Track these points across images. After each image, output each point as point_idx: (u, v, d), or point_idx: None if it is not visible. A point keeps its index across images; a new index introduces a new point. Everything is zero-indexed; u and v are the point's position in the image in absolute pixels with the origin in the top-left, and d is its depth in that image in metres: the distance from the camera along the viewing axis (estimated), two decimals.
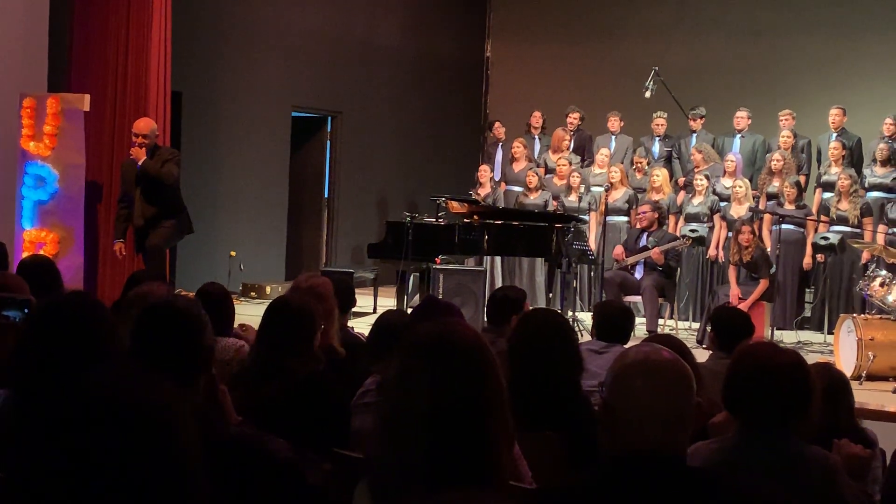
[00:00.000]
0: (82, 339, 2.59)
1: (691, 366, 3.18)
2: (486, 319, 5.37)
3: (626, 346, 5.53)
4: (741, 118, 11.33)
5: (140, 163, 8.43)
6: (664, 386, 2.27)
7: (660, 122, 11.72)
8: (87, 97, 9.33)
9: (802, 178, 10.70)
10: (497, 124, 12.70)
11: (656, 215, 9.88)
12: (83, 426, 1.34)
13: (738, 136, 11.33)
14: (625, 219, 10.88)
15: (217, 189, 11.49)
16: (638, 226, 10.06)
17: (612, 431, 2.28)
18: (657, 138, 11.78)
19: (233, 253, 11.04)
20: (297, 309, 3.88)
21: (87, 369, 1.42)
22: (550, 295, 10.42)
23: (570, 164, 11.44)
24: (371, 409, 3.72)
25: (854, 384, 7.02)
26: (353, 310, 10.31)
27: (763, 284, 9.23)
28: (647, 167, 11.17)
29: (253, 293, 11.13)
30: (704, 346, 8.23)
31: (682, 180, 11.33)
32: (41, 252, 8.76)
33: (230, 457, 2.47)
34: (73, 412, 1.34)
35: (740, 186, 10.15)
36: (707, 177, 10.54)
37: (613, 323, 5.22)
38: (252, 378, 3.72)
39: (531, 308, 5.32)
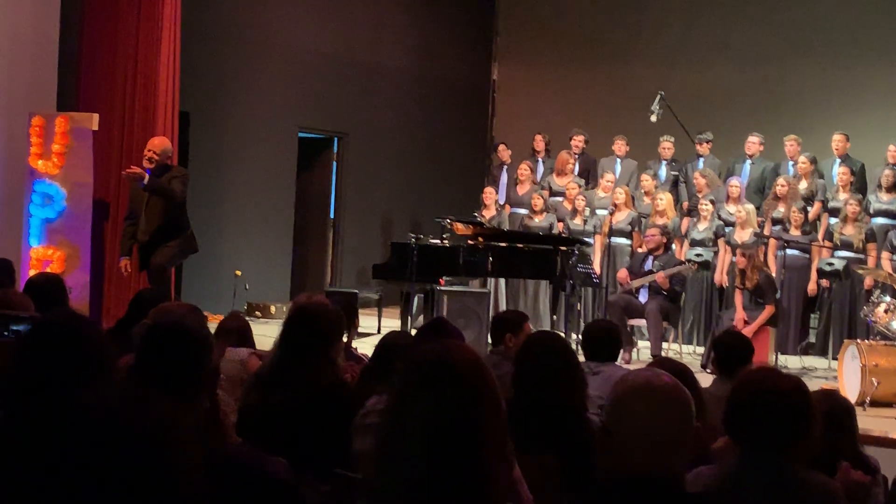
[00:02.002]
0: (73, 359, 2.58)
1: (694, 391, 3.20)
2: (489, 342, 5.38)
3: (619, 365, 5.56)
4: (753, 143, 11.25)
5: (145, 181, 8.46)
6: (664, 410, 2.28)
7: (667, 145, 11.71)
8: (96, 116, 9.38)
9: (818, 205, 10.64)
10: (502, 147, 12.72)
11: (664, 239, 9.90)
12: (78, 447, 1.34)
13: (749, 161, 11.31)
14: (627, 241, 10.88)
15: (223, 208, 11.53)
16: (644, 248, 10.05)
17: (610, 455, 2.29)
18: (664, 162, 11.78)
19: (238, 272, 11.06)
20: (320, 314, 3.88)
21: (82, 389, 1.43)
22: (555, 317, 10.42)
23: (580, 186, 11.45)
24: (372, 430, 3.72)
25: (858, 410, 7.02)
26: (357, 330, 10.32)
27: (768, 310, 9.22)
28: (654, 190, 11.17)
29: (258, 312, 11.15)
30: (709, 370, 8.21)
31: (685, 205, 11.34)
32: (48, 270, 8.80)
33: (229, 477, 2.47)
34: (67, 433, 1.34)
35: (742, 211, 10.15)
36: (712, 201, 10.54)
37: (599, 342, 5.23)
38: (270, 384, 3.70)
39: (534, 331, 5.34)
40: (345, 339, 5.14)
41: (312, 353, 3.77)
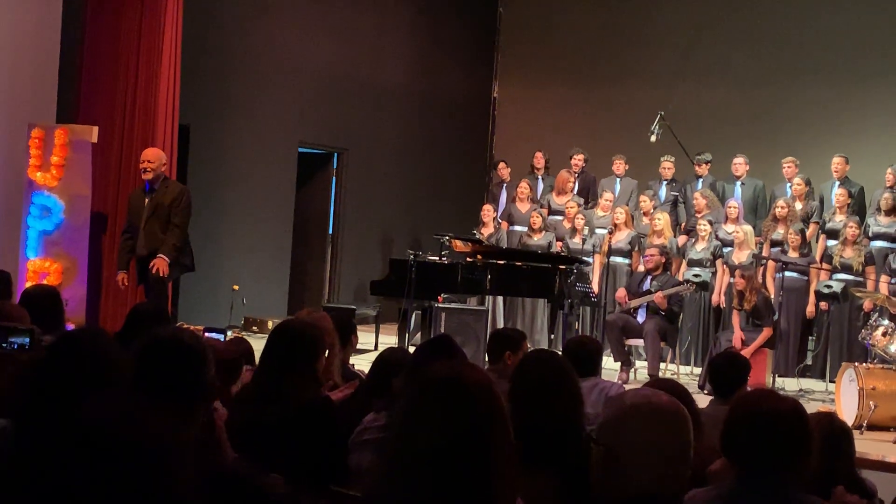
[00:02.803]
0: (94, 374, 2.59)
1: (691, 411, 3.18)
2: (486, 359, 5.37)
3: (600, 378, 5.56)
4: (739, 164, 11.36)
5: (148, 192, 8.47)
6: (663, 429, 2.28)
7: (667, 165, 11.74)
8: (96, 129, 9.39)
9: (813, 227, 10.67)
10: (502, 164, 12.74)
11: (663, 259, 9.90)
12: (81, 458, 1.34)
13: (739, 182, 11.36)
14: (626, 261, 10.88)
15: (222, 222, 11.52)
16: (643, 268, 10.05)
17: (608, 473, 2.29)
18: (664, 182, 11.80)
19: (235, 287, 11.06)
20: (300, 331, 3.93)
21: (85, 403, 1.43)
22: (552, 336, 10.41)
23: (579, 206, 11.47)
24: (369, 447, 3.71)
25: (855, 434, 7.01)
26: (355, 347, 10.32)
27: (766, 332, 9.21)
28: (652, 210, 11.17)
29: (255, 327, 11.13)
30: (706, 391, 8.20)
31: (684, 225, 11.35)
32: (45, 282, 8.78)
33: (225, 492, 2.46)
34: (71, 444, 1.34)
35: (740, 232, 10.16)
36: (710, 222, 10.55)
37: (577, 357, 5.20)
38: (253, 400, 3.73)
39: (532, 349, 5.33)
40: (342, 356, 5.13)
41: (293, 370, 3.80)
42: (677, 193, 11.60)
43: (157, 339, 2.73)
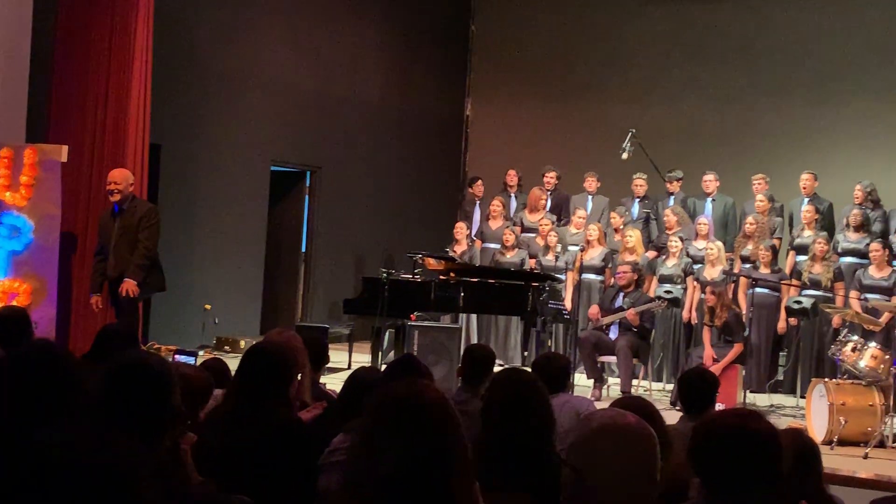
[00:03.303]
0: (47, 393, 2.55)
1: (661, 429, 3.20)
2: (459, 378, 5.35)
3: (568, 394, 5.57)
4: (709, 181, 11.47)
5: (117, 213, 8.42)
6: (630, 449, 2.31)
7: (639, 182, 11.82)
8: (65, 148, 9.32)
9: (777, 242, 10.78)
10: (478, 183, 12.77)
11: (635, 276, 9.94)
12: (35, 487, 1.32)
13: (709, 199, 11.44)
14: (599, 278, 10.92)
15: (194, 241, 11.47)
16: (615, 283, 10.08)
17: (577, 494, 2.30)
18: (637, 199, 11.87)
19: (207, 306, 11.00)
20: (274, 353, 3.92)
21: (44, 427, 1.41)
22: (526, 353, 10.42)
23: (552, 223, 11.50)
24: (338, 468, 3.70)
25: (825, 449, 7.06)
26: (328, 366, 10.29)
27: (737, 348, 9.25)
28: (623, 227, 11.23)
29: (227, 347, 11.07)
30: (678, 408, 8.21)
31: (655, 241, 11.41)
32: (13, 303, 8.70)
33: None
34: (27, 472, 1.32)
35: (712, 249, 10.22)
36: (681, 238, 10.61)
37: (549, 374, 5.20)
38: (225, 422, 3.71)
39: (504, 367, 5.33)
40: (313, 376, 5.12)
41: (266, 393, 3.79)
42: (649, 210, 11.67)
43: (123, 363, 2.71)
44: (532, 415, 3.73)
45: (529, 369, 5.26)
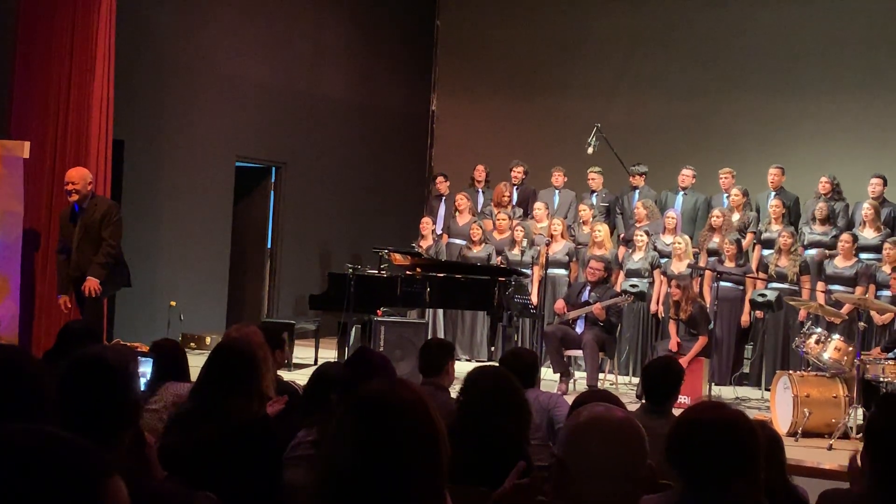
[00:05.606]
0: (9, 393, 2.52)
1: None
2: (420, 373, 5.35)
3: (536, 389, 5.58)
4: (686, 176, 11.49)
5: (78, 212, 8.34)
6: (619, 444, 2.35)
7: (593, 176, 11.89)
8: (27, 144, 9.23)
9: (750, 236, 10.81)
10: (440, 178, 12.76)
11: (606, 274, 9.99)
12: None
13: (681, 193, 11.49)
14: (564, 272, 10.95)
15: (158, 238, 11.39)
16: (586, 278, 10.07)
17: (564, 488, 2.33)
18: (593, 193, 11.92)
19: (173, 303, 10.92)
20: (240, 351, 3.93)
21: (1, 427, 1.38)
22: (493, 348, 10.43)
23: (510, 218, 11.51)
24: (303, 463, 3.69)
25: (790, 441, 7.11)
26: (294, 361, 10.26)
27: (702, 341, 9.31)
28: (591, 220, 11.26)
29: (192, 343, 11.00)
30: (644, 401, 8.25)
31: (622, 235, 11.46)
32: None
33: None
34: None
35: (679, 243, 10.27)
36: (647, 232, 10.65)
37: (516, 370, 5.20)
38: (191, 419, 3.71)
39: (479, 365, 5.33)
40: (274, 369, 5.10)
41: (230, 388, 3.81)
42: (607, 204, 11.73)
43: (80, 359, 2.67)
44: (510, 412, 3.75)
45: (497, 364, 5.27)
